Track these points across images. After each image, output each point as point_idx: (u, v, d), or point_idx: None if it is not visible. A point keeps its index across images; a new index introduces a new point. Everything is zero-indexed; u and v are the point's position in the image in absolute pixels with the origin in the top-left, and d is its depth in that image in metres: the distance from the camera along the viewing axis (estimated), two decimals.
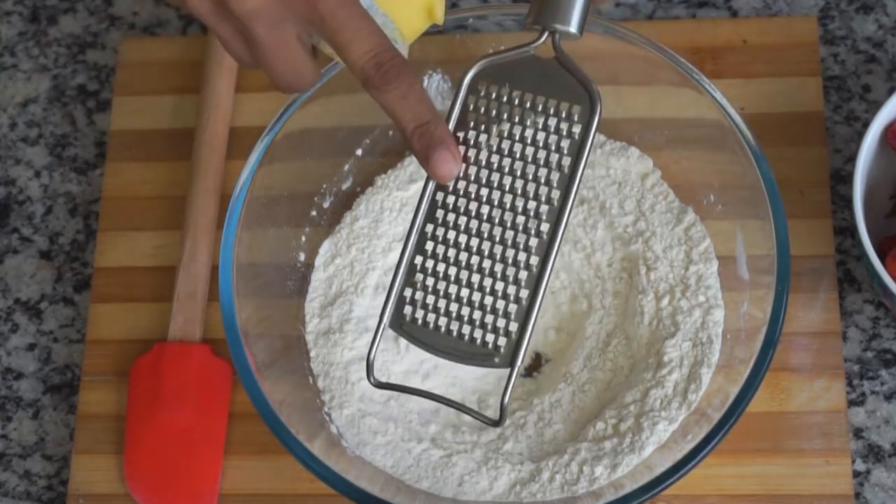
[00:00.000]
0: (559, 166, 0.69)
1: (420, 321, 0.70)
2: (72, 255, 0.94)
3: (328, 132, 0.87)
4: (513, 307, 0.69)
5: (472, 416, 0.72)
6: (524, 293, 0.69)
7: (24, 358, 0.92)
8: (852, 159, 0.91)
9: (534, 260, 0.69)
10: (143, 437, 0.87)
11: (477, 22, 0.86)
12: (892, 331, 0.87)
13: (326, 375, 0.84)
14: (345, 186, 0.89)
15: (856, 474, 0.84)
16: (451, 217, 0.70)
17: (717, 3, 0.97)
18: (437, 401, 0.73)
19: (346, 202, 0.89)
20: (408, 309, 0.71)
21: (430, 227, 0.71)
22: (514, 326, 0.69)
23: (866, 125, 0.90)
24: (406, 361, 0.85)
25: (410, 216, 0.87)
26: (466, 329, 0.70)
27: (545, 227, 0.69)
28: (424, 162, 0.68)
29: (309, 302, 0.87)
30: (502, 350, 0.69)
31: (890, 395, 0.86)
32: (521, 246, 0.69)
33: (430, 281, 0.70)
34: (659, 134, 0.88)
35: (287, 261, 0.87)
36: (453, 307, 0.70)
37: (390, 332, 0.84)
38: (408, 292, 0.71)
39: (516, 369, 0.68)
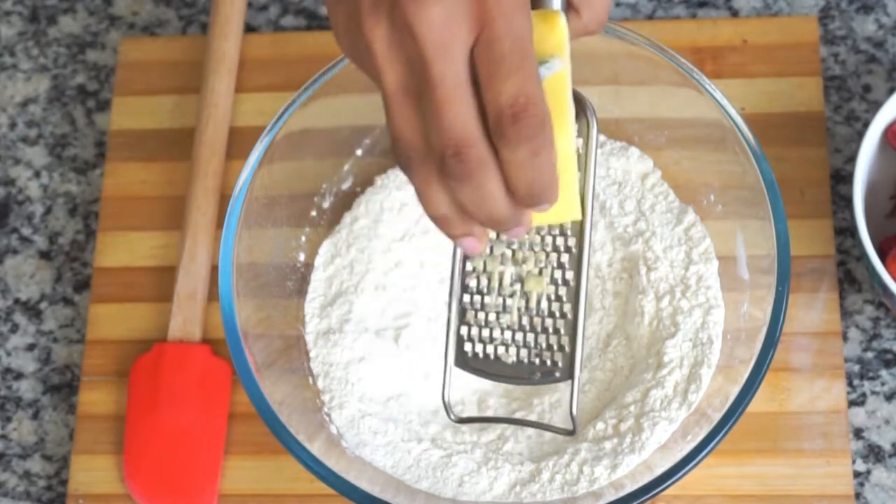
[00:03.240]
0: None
1: (481, 355, 0.73)
2: (71, 255, 0.94)
3: (328, 132, 0.87)
4: (560, 322, 0.71)
5: (550, 431, 0.77)
6: (567, 307, 0.71)
7: (23, 358, 0.92)
8: (852, 159, 0.91)
9: (569, 275, 0.71)
10: (143, 437, 0.87)
11: None
12: (893, 331, 0.87)
13: (326, 376, 0.84)
14: (345, 186, 0.89)
15: (856, 474, 0.84)
16: (486, 250, 0.73)
17: (718, 3, 0.97)
18: (517, 423, 0.80)
19: (346, 202, 0.89)
20: (468, 346, 0.73)
21: (469, 265, 0.73)
22: (565, 340, 0.71)
23: (866, 125, 0.90)
24: (406, 362, 0.85)
25: (410, 216, 0.88)
26: (524, 353, 0.72)
27: (572, 241, 0.71)
28: (525, 207, 0.64)
29: (309, 302, 0.86)
30: (560, 364, 0.72)
31: (890, 395, 0.86)
32: (555, 263, 0.71)
33: (481, 315, 0.73)
34: (659, 134, 0.88)
35: (287, 261, 0.87)
36: (508, 335, 0.73)
37: (389, 333, 0.85)
38: (464, 330, 0.74)
39: (576, 379, 0.71)
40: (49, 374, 0.91)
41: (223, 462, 0.87)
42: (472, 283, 0.73)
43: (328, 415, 0.83)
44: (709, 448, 0.74)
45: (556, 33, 0.65)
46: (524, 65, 0.60)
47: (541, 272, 0.72)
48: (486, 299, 0.73)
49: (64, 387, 0.91)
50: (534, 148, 0.60)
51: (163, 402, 0.87)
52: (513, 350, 0.73)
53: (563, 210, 0.67)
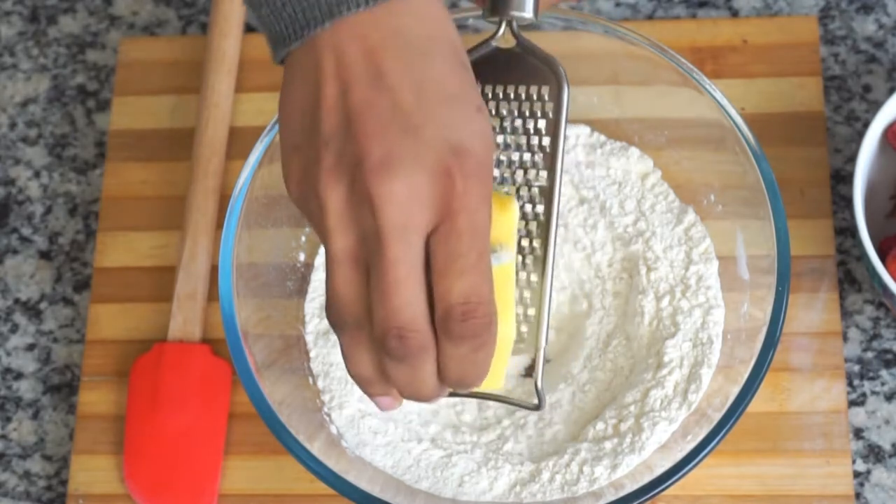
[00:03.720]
0: (541, 147, 0.70)
1: None
2: (71, 255, 0.94)
3: None
4: (527, 293, 0.70)
5: (513, 405, 0.74)
6: (535, 276, 0.70)
7: (23, 358, 0.92)
8: (852, 159, 0.91)
9: (536, 243, 0.70)
10: (143, 437, 0.87)
11: (477, 22, 0.85)
12: (893, 331, 0.87)
13: (326, 375, 0.84)
14: None
15: (856, 475, 0.84)
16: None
17: (718, 2, 0.97)
18: (477, 397, 0.75)
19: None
20: None
21: None
22: (531, 311, 0.70)
23: (867, 125, 0.90)
24: None
25: None
26: None
27: (540, 208, 0.70)
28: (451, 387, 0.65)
29: (309, 302, 0.86)
30: (525, 335, 0.70)
31: (890, 395, 0.86)
32: (522, 233, 0.70)
33: None
34: (659, 134, 0.87)
35: (287, 261, 0.87)
36: None
37: None
38: None
39: (541, 350, 0.70)
40: (49, 374, 0.91)
41: (223, 462, 0.87)
42: None
43: (328, 415, 0.83)
44: (709, 448, 0.74)
45: (507, 220, 0.67)
46: (479, 264, 0.60)
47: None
48: None
49: (64, 387, 0.91)
50: (476, 346, 0.61)
51: (163, 402, 0.87)
52: None
53: (488, 381, 0.67)
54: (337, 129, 0.60)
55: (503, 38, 0.71)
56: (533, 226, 0.71)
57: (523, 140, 0.71)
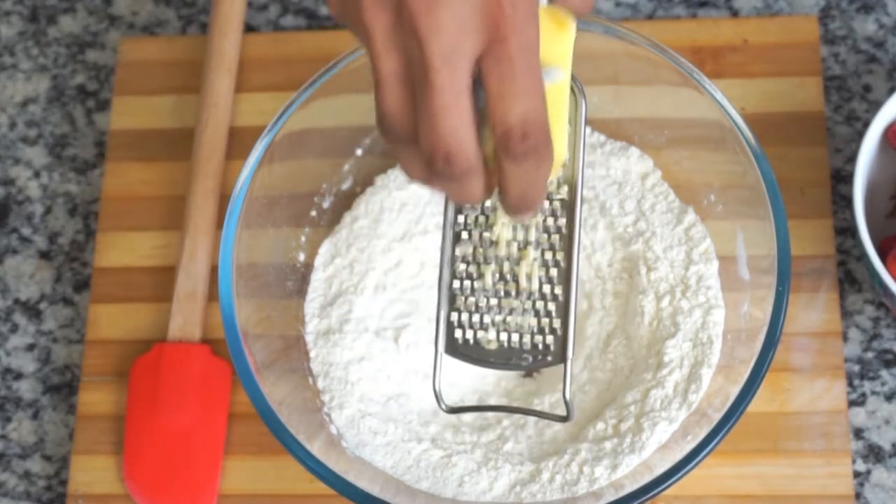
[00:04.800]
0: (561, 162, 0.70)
1: (472, 341, 0.73)
2: (71, 255, 0.94)
3: (328, 132, 0.87)
4: (552, 305, 0.71)
5: (542, 418, 0.76)
6: (559, 289, 0.71)
7: (23, 358, 0.92)
8: (853, 159, 0.91)
9: (560, 256, 0.71)
10: (143, 437, 0.87)
11: None
12: (893, 331, 0.87)
13: (326, 376, 0.84)
14: (345, 186, 0.89)
15: (856, 475, 0.84)
16: (475, 234, 0.72)
17: (718, 2, 0.97)
18: (509, 411, 0.78)
19: (345, 202, 0.89)
20: (458, 332, 0.73)
21: (458, 251, 0.73)
22: (557, 323, 0.71)
23: (867, 125, 0.90)
24: (406, 362, 0.85)
25: (410, 216, 0.87)
26: (515, 337, 0.72)
27: (562, 221, 0.71)
28: (512, 215, 0.66)
29: (309, 302, 0.86)
30: (552, 348, 0.71)
31: (890, 395, 0.86)
32: (546, 245, 0.71)
33: (471, 301, 0.73)
34: (659, 134, 0.87)
35: (287, 261, 0.87)
36: (498, 319, 0.72)
37: (389, 333, 0.85)
38: (454, 317, 0.73)
39: (569, 362, 0.71)
40: (49, 374, 0.91)
41: (223, 462, 0.87)
42: (462, 268, 0.73)
43: (328, 415, 0.83)
44: (709, 448, 0.74)
45: (563, 40, 0.66)
46: (534, 85, 0.61)
47: (526, 246, 0.71)
48: (476, 284, 0.72)
49: (64, 387, 0.91)
50: (536, 164, 0.62)
51: (163, 402, 0.87)
52: (504, 335, 0.72)
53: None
54: None
55: None
56: (555, 239, 0.71)
57: None
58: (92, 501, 0.87)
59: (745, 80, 0.93)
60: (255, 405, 0.77)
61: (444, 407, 0.75)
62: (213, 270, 0.90)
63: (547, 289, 0.71)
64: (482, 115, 0.62)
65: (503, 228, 0.72)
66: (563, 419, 0.73)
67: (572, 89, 0.70)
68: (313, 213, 0.88)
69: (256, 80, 0.96)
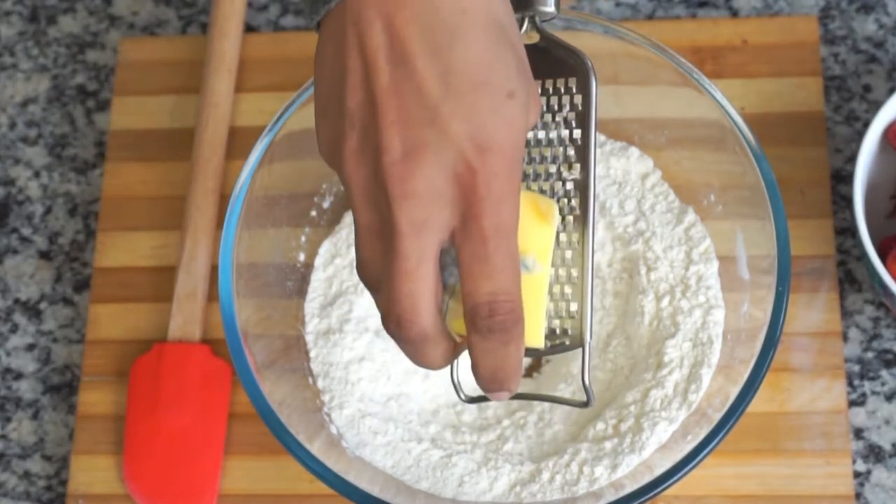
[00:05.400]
0: (572, 140, 0.70)
1: None
2: (71, 255, 0.94)
3: None
4: (568, 288, 0.70)
5: (563, 404, 0.74)
6: (575, 271, 0.70)
7: (23, 358, 0.92)
8: (853, 159, 0.91)
9: (575, 237, 0.70)
10: (143, 437, 0.87)
11: None
12: (893, 331, 0.87)
13: (326, 376, 0.84)
14: None
15: (856, 475, 0.84)
16: None
17: (718, 2, 0.97)
18: (530, 398, 0.76)
19: (346, 202, 0.89)
20: None
21: None
22: (574, 306, 0.70)
23: (867, 125, 0.90)
24: (406, 362, 0.85)
25: None
26: None
27: (575, 202, 0.70)
28: (486, 392, 0.66)
29: (309, 302, 0.86)
30: (570, 332, 0.70)
31: (890, 395, 0.86)
32: (560, 227, 0.70)
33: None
34: (659, 134, 0.87)
35: (287, 261, 0.87)
36: None
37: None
38: None
39: (587, 346, 0.69)
40: (49, 374, 0.91)
41: (223, 462, 0.87)
42: None
43: (328, 415, 0.83)
44: (709, 448, 0.74)
45: (545, 231, 0.67)
46: (505, 266, 0.61)
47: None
48: None
49: (64, 387, 0.91)
50: (504, 340, 0.62)
51: (163, 402, 0.87)
52: None
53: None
54: (361, 108, 0.60)
55: (525, 35, 0.70)
56: (570, 220, 0.70)
57: (554, 134, 0.70)
58: (92, 501, 0.87)
59: (744, 80, 0.93)
60: (255, 405, 0.77)
61: (463, 396, 0.74)
62: (213, 270, 0.90)
63: (563, 272, 0.70)
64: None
65: None
66: (584, 405, 0.71)
67: (583, 67, 0.69)
68: (313, 213, 0.88)
69: (256, 80, 0.96)
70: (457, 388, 0.75)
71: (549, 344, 0.71)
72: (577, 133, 0.69)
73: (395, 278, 0.60)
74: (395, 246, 0.60)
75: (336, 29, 0.61)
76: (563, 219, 0.70)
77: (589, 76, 0.69)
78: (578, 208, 0.70)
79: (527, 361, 0.86)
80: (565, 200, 0.70)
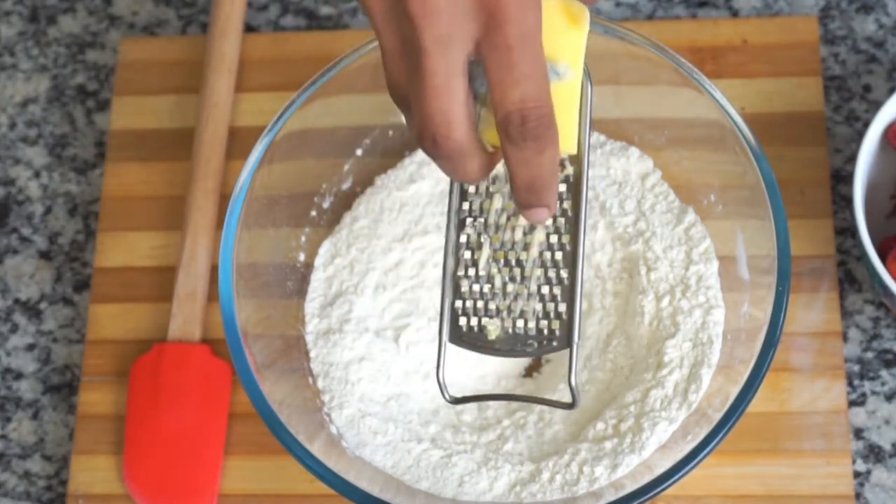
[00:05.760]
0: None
1: (476, 328, 0.72)
2: (71, 255, 0.94)
3: (328, 132, 0.87)
4: (557, 289, 0.70)
5: (548, 405, 0.74)
6: (564, 273, 0.70)
7: (23, 358, 0.92)
8: (853, 159, 0.91)
9: (565, 238, 0.70)
10: (143, 437, 0.87)
11: None
12: (893, 331, 0.87)
13: (326, 376, 0.84)
14: (345, 186, 0.89)
15: (856, 475, 0.84)
16: (479, 220, 0.72)
17: (718, 2, 0.97)
18: (514, 399, 0.77)
19: (345, 202, 0.89)
20: (462, 320, 0.72)
21: (463, 237, 0.72)
22: (563, 307, 0.70)
23: (867, 125, 0.90)
24: (406, 362, 0.85)
25: (410, 216, 0.87)
26: (521, 324, 0.71)
27: (567, 204, 0.70)
28: (524, 211, 0.66)
29: (309, 302, 0.86)
30: (558, 332, 0.70)
31: (890, 395, 0.86)
32: (551, 229, 0.70)
33: (475, 287, 0.72)
34: (659, 134, 0.87)
35: (287, 261, 0.87)
36: (503, 306, 0.71)
37: (389, 333, 0.85)
38: (458, 304, 0.72)
39: (575, 347, 0.70)
40: (49, 374, 0.91)
41: (223, 462, 0.87)
42: (466, 255, 0.72)
43: (328, 415, 0.83)
44: (709, 448, 0.74)
45: (575, 37, 0.65)
46: (533, 72, 0.61)
47: (532, 230, 0.71)
48: (481, 271, 0.72)
49: (64, 387, 0.91)
50: (539, 147, 0.62)
51: (163, 402, 0.87)
52: (508, 321, 0.71)
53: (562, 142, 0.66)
54: None
55: None
56: (561, 222, 0.70)
57: None
58: (92, 501, 0.87)
59: (744, 80, 0.93)
60: (255, 405, 0.77)
61: (447, 397, 0.74)
62: (213, 270, 0.90)
63: (553, 273, 0.70)
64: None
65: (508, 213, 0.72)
66: (569, 406, 0.72)
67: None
68: (313, 213, 0.88)
69: (256, 80, 0.96)
70: (442, 388, 0.74)
71: (535, 345, 0.71)
72: (576, 150, 0.69)
73: (425, 96, 0.61)
74: (421, 64, 0.60)
75: None
76: (554, 220, 0.71)
77: (584, 82, 0.69)
78: (570, 210, 0.70)
79: (525, 362, 0.86)
80: (556, 202, 0.70)
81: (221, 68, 0.95)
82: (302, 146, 0.85)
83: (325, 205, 0.88)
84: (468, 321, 0.72)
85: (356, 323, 0.85)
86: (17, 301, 0.94)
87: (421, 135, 0.62)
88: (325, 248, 0.88)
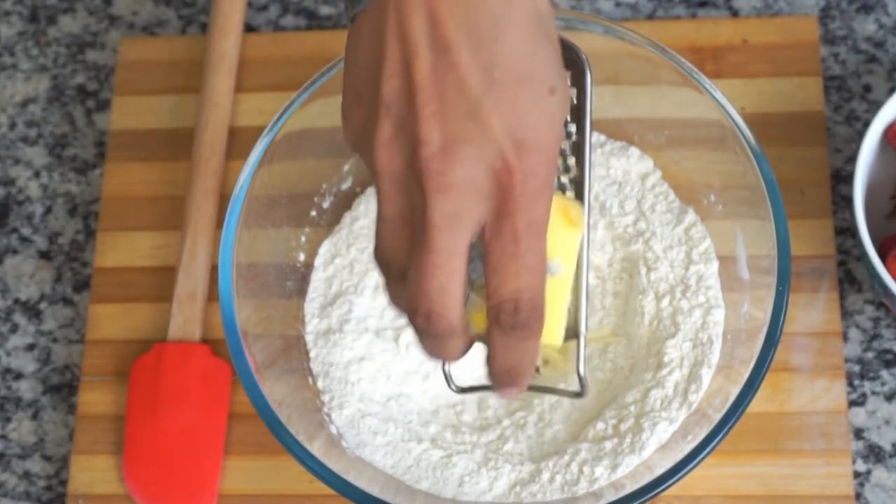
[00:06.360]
0: (569, 135, 0.70)
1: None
2: (71, 255, 0.94)
3: (328, 132, 0.87)
4: None
5: (556, 394, 0.74)
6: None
7: (23, 358, 0.92)
8: (853, 159, 0.91)
9: None
10: (143, 437, 0.87)
11: None
12: (893, 331, 0.87)
13: (326, 376, 0.84)
14: (345, 186, 0.89)
15: (856, 475, 0.84)
16: None
17: (718, 2, 0.97)
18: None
19: (345, 202, 0.89)
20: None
21: None
22: (569, 299, 0.70)
23: (867, 125, 0.90)
24: (406, 361, 0.85)
25: None
26: None
27: (571, 195, 0.70)
28: (498, 389, 0.65)
29: (309, 302, 0.86)
30: (566, 325, 0.70)
31: (891, 395, 0.86)
32: None
33: (479, 282, 0.70)
34: (659, 134, 0.87)
35: (287, 261, 0.87)
36: None
37: (389, 333, 0.85)
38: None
39: (582, 337, 0.70)
40: (49, 374, 0.91)
41: (223, 462, 0.87)
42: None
43: (328, 415, 0.83)
44: (709, 448, 0.74)
45: (572, 237, 0.66)
46: (534, 266, 0.60)
47: None
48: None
49: (64, 387, 0.91)
50: (524, 336, 0.62)
51: (163, 402, 0.87)
52: None
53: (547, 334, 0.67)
54: (398, 95, 0.59)
55: None
56: None
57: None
58: (92, 501, 0.87)
59: (744, 80, 0.93)
60: (255, 405, 0.77)
61: (454, 387, 0.74)
62: (213, 270, 0.90)
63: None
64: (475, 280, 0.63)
65: None
66: (578, 395, 0.71)
67: (579, 61, 0.68)
68: (313, 213, 0.88)
69: (256, 80, 0.96)
70: (448, 378, 0.74)
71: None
72: (573, 128, 0.70)
73: (425, 271, 0.60)
74: (427, 238, 0.59)
75: (375, 14, 0.59)
76: None
77: (584, 70, 0.69)
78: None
79: None
80: (560, 194, 0.70)
81: (221, 68, 0.95)
82: (302, 146, 0.85)
83: (325, 205, 0.88)
84: None
85: (356, 323, 0.85)
86: (17, 301, 0.94)
87: (415, 309, 0.61)
88: (325, 248, 0.88)
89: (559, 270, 0.66)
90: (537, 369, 0.85)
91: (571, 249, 0.67)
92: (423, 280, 0.60)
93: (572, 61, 0.69)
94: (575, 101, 0.69)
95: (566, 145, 0.70)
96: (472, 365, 0.83)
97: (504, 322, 0.61)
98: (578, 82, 0.69)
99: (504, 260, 0.60)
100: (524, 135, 0.58)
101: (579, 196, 0.70)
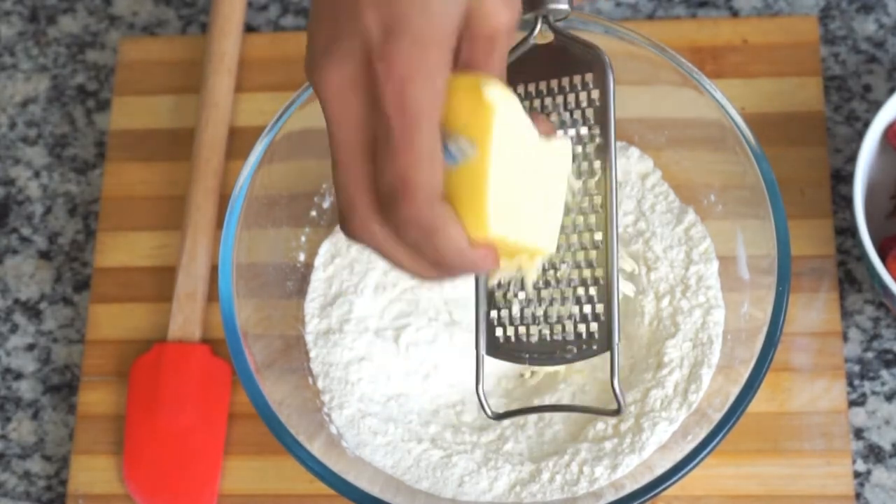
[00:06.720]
0: (592, 137, 0.70)
1: (513, 338, 0.71)
2: (71, 255, 0.94)
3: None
4: (593, 289, 0.69)
5: (595, 413, 0.73)
6: (600, 272, 0.69)
7: (23, 358, 0.92)
8: (853, 159, 0.91)
9: (598, 236, 0.69)
10: (143, 437, 0.87)
11: None
12: (893, 331, 0.87)
13: (326, 376, 0.84)
14: None
15: (856, 475, 0.84)
16: None
17: (718, 2, 0.97)
18: (556, 410, 0.76)
19: None
20: (499, 331, 0.71)
21: None
22: (600, 308, 0.69)
23: (867, 125, 0.90)
24: (406, 362, 0.85)
25: None
26: (558, 329, 0.70)
27: (598, 199, 0.69)
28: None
29: (309, 302, 0.86)
30: (597, 335, 0.69)
31: (890, 395, 0.86)
32: (582, 227, 0.70)
33: (510, 295, 0.71)
34: (659, 134, 0.87)
35: (287, 261, 0.87)
36: (540, 312, 0.70)
37: (389, 333, 0.85)
38: (493, 314, 0.71)
39: (616, 348, 0.68)
40: (49, 374, 0.91)
41: (223, 462, 0.87)
42: None
43: (328, 415, 0.83)
44: (709, 448, 0.74)
45: (480, 113, 0.60)
46: (409, 146, 0.57)
47: (562, 230, 0.69)
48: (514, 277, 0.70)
49: (64, 387, 0.91)
50: (422, 232, 0.59)
51: (163, 402, 0.87)
52: (546, 328, 0.70)
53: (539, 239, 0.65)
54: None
55: (540, 34, 0.70)
56: (593, 218, 0.70)
57: (573, 132, 0.70)
58: (92, 501, 0.87)
59: (744, 80, 0.93)
60: (255, 405, 0.77)
61: (489, 413, 0.73)
62: (213, 270, 0.90)
63: (588, 273, 0.69)
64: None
65: None
66: (615, 413, 0.69)
67: (600, 62, 0.68)
68: (313, 213, 0.88)
69: (256, 80, 0.96)
70: (483, 403, 0.74)
71: (574, 350, 0.69)
72: (597, 130, 0.69)
73: (334, 170, 0.61)
74: (330, 139, 0.61)
75: None
76: (586, 217, 0.70)
77: (606, 70, 0.69)
78: (601, 206, 0.69)
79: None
80: (587, 198, 0.70)
81: (221, 68, 0.95)
82: (302, 146, 0.85)
83: (325, 205, 0.88)
84: (504, 331, 0.71)
85: (356, 323, 0.85)
86: (17, 301, 0.94)
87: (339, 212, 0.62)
88: (325, 248, 0.88)
89: (469, 152, 0.60)
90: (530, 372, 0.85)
91: (484, 128, 0.60)
92: (334, 179, 0.61)
93: (594, 62, 0.69)
94: (597, 102, 0.69)
95: (591, 148, 0.70)
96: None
97: (390, 218, 0.59)
98: (601, 83, 0.69)
99: (379, 142, 0.58)
100: (390, 21, 0.58)
101: (606, 197, 0.69)
